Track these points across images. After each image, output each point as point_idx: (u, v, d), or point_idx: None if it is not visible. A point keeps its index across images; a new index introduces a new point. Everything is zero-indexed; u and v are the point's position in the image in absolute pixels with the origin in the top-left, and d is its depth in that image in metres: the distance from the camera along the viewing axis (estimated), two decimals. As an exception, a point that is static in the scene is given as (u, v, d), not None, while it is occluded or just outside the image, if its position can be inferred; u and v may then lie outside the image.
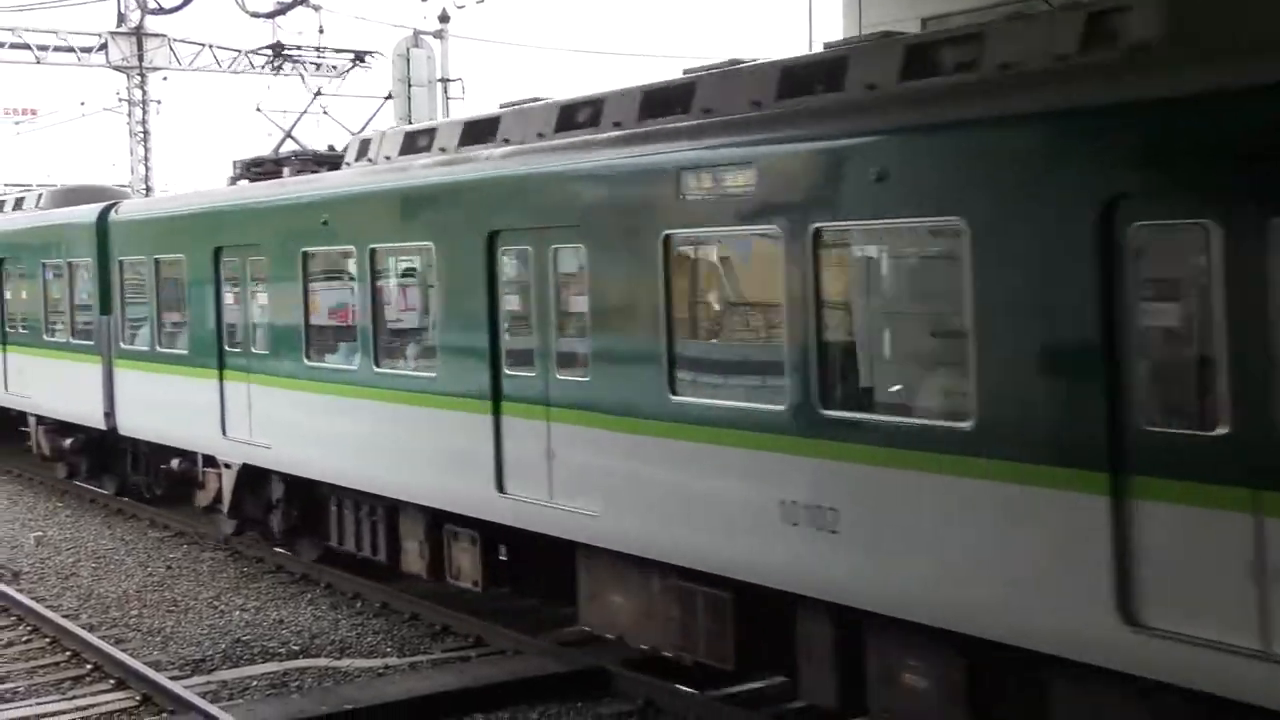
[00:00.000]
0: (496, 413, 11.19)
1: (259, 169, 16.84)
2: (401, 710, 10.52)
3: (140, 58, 42.03)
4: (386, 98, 17.36)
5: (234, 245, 15.35)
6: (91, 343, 18.96)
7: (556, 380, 10.68)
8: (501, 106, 12.62)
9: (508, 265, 11.34)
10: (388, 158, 13.63)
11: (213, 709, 10.32)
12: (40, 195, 22.81)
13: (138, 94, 42.83)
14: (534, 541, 11.26)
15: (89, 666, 12.16)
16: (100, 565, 16.28)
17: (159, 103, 43.37)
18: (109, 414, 18.40)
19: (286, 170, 16.18)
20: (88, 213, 19.28)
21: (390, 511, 13.38)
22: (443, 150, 12.63)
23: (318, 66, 43.81)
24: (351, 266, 13.55)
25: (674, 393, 9.50)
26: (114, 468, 19.92)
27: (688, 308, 10.01)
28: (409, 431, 12.37)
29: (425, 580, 13.08)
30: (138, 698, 11.21)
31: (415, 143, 13.32)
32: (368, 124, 16.88)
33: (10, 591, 14.52)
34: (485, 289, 11.28)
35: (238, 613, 13.88)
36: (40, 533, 18.17)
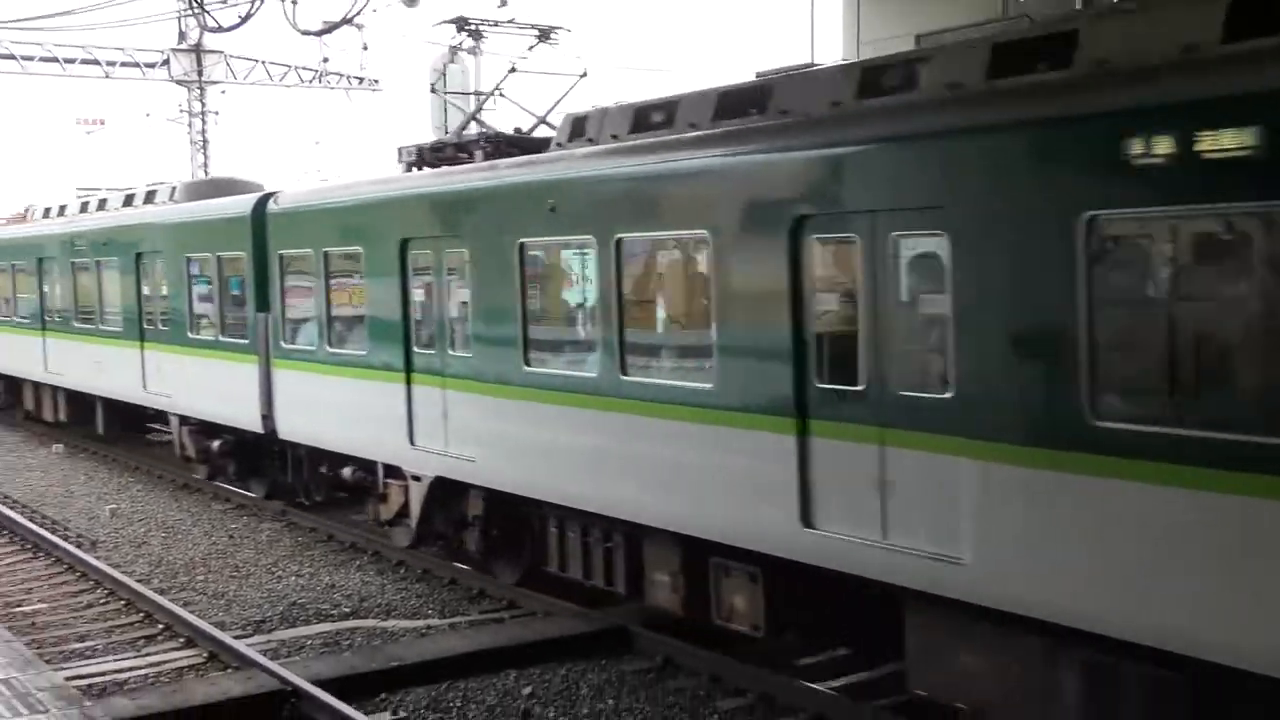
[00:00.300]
0: (803, 433, 8.63)
1: (439, 154, 13.91)
2: (442, 667, 10.52)
3: (199, 73, 42.18)
4: (582, 75, 14.57)
5: (426, 236, 12.69)
6: (245, 341, 16.20)
7: (897, 397, 8.03)
8: (758, 75, 10.24)
9: (820, 256, 8.76)
10: (614, 136, 10.98)
11: (273, 665, 10.34)
12: (174, 189, 20.14)
13: (197, 106, 43.01)
14: (838, 582, 8.85)
15: (160, 626, 12.21)
16: (169, 535, 16.30)
17: (216, 113, 43.54)
18: (266, 416, 15.76)
19: (478, 154, 13.29)
20: (241, 204, 16.44)
21: (632, 537, 10.78)
22: (694, 126, 10.03)
23: (360, 80, 43.99)
24: (587, 259, 10.80)
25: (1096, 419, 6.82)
26: (264, 471, 17.37)
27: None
28: (668, 451, 9.75)
29: (680, 618, 10.56)
30: (204, 655, 11.26)
31: (649, 119, 10.70)
32: (556, 105, 13.74)
33: (89, 559, 14.56)
34: (789, 285, 8.64)
35: (293, 578, 13.91)
36: (115, 505, 18.21)
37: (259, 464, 17.37)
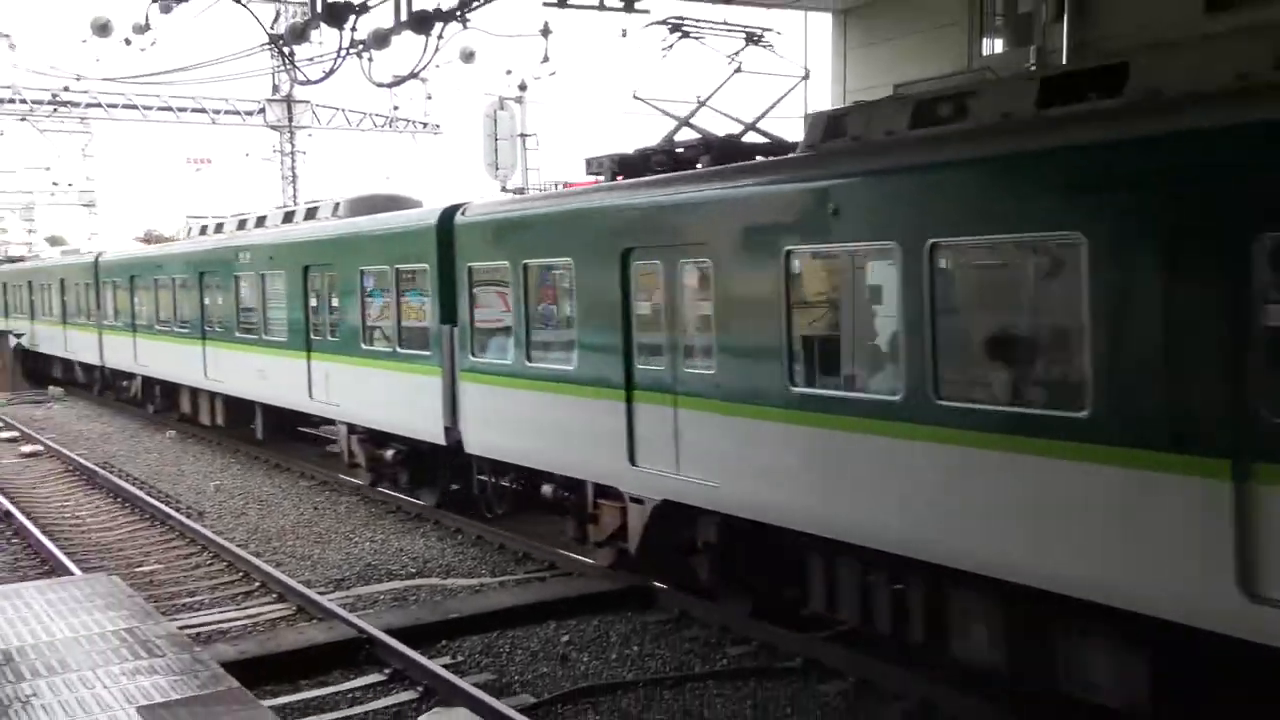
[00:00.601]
0: (1242, 479, 5.92)
1: (658, 160, 11.00)
2: (493, 618, 10.56)
3: (290, 119, 42.39)
4: (804, 77, 12.55)
5: (655, 246, 10.12)
6: (427, 353, 13.87)
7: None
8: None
9: None
10: (889, 132, 8.35)
11: (351, 616, 10.40)
12: (336, 205, 17.96)
13: (287, 147, 43.25)
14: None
15: (256, 584, 12.27)
16: (263, 507, 16.36)
17: (304, 153, 43.77)
18: (450, 429, 13.53)
19: (701, 161, 10.49)
20: (425, 216, 14.16)
21: (932, 581, 8.03)
22: (1007, 115, 7.46)
23: (424, 125, 44.11)
24: (882, 268, 8.23)
25: None
26: (436, 481, 15.13)
27: None
28: (1022, 492, 6.95)
29: (1008, 685, 7.96)
30: (294, 608, 11.31)
31: (935, 112, 8.09)
32: (774, 105, 11.26)
33: (198, 527, 14.64)
34: (1222, 296, 6.00)
35: (367, 543, 13.93)
36: (218, 482, 18.31)
37: (432, 474, 15.13)
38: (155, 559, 13.71)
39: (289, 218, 19.52)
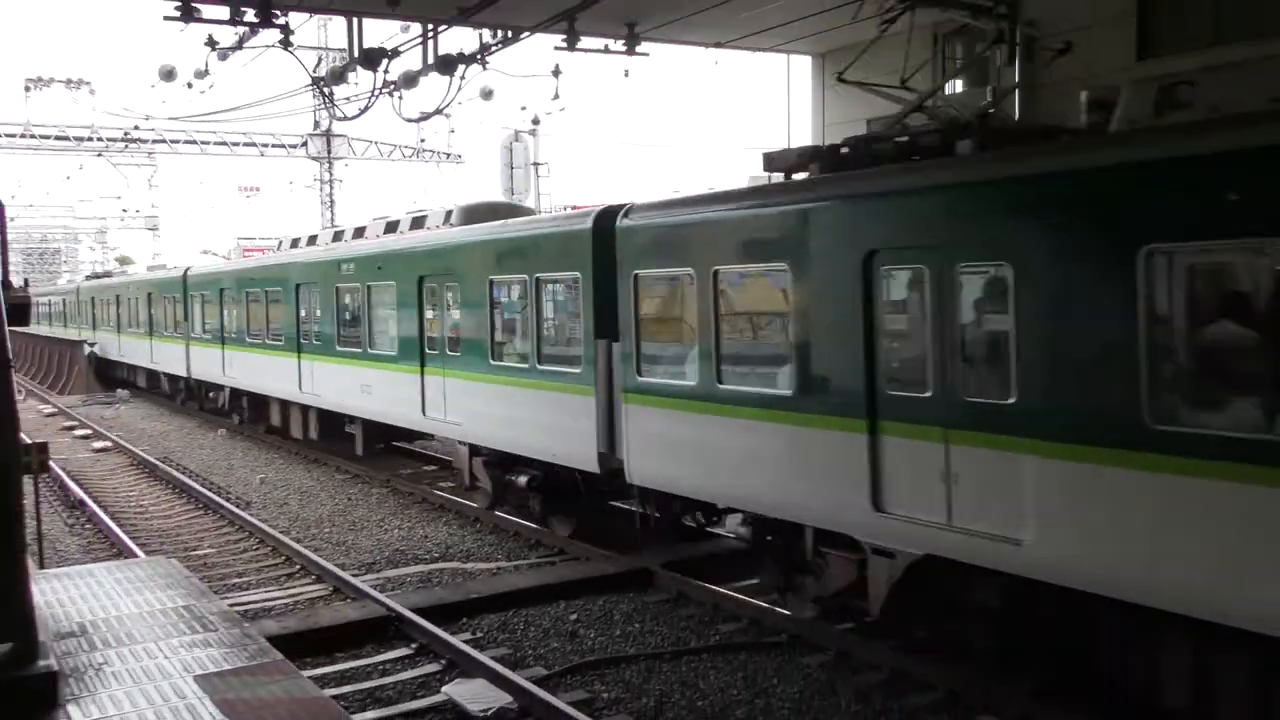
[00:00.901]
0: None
1: (883, 150, 8.23)
2: (509, 598, 10.49)
3: (329, 151, 42.44)
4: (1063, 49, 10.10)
5: (914, 247, 7.53)
6: (576, 371, 11.27)
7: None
8: None
9: None
10: (1132, 121, 6.70)
11: (381, 596, 10.35)
12: (449, 213, 15.33)
13: (326, 176, 43.30)
14: None
15: (297, 567, 12.21)
16: (303, 497, 16.28)
17: (341, 181, 43.84)
18: (605, 455, 10.92)
19: (959, 146, 7.71)
20: (577, 220, 11.46)
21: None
22: None
23: (448, 155, 44.13)
24: None
25: None
26: (574, 510, 12.51)
27: None
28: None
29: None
30: (330, 588, 11.26)
31: (1173, 97, 6.53)
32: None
33: (245, 515, 14.58)
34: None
35: (396, 530, 13.86)
36: (263, 474, 18.22)
37: (570, 502, 12.47)
38: (208, 544, 13.66)
39: (392, 228, 17.04)
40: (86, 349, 35.59)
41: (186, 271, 26.46)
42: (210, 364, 24.15)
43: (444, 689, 8.16)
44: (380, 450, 18.49)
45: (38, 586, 7.98)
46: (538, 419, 11.99)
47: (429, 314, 14.52)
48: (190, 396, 27.48)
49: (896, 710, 7.70)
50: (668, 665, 8.78)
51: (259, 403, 22.13)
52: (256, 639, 7.42)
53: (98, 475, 18.78)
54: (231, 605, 9.42)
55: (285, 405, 20.35)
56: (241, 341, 22.10)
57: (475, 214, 14.68)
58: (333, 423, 18.36)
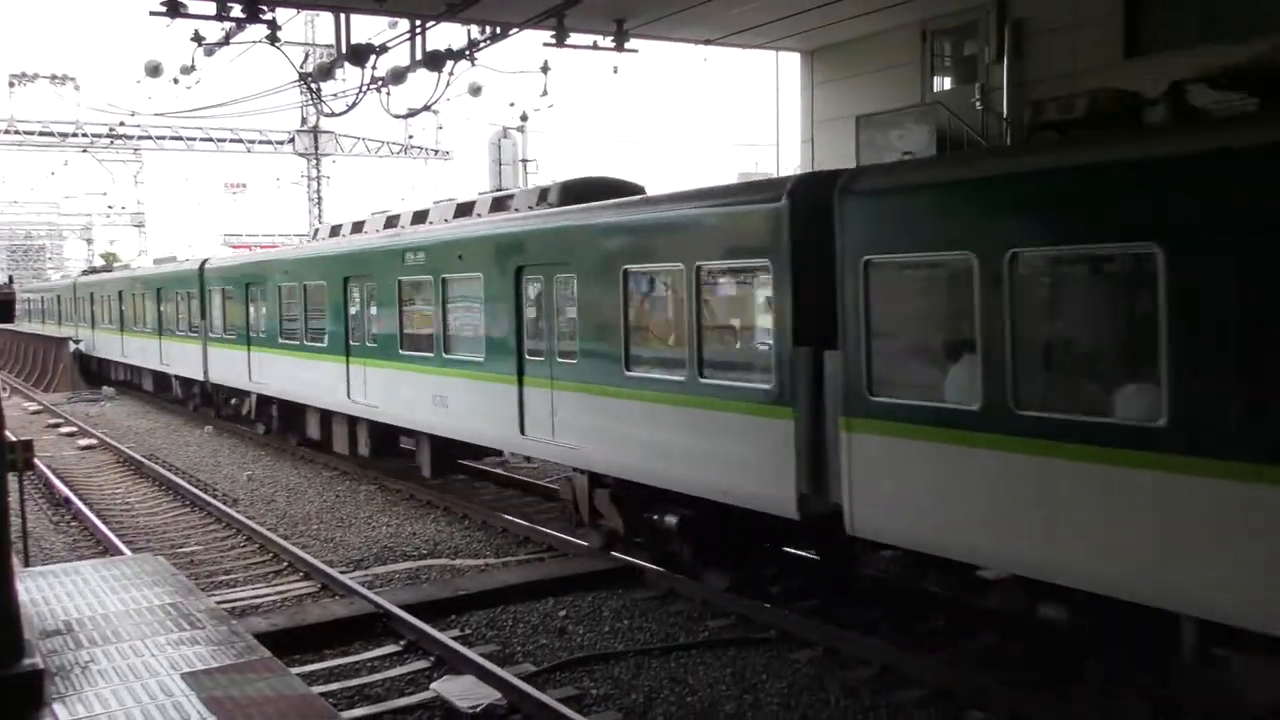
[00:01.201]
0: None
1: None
2: (497, 594, 10.47)
3: (316, 147, 42.32)
4: None
5: None
6: (765, 387, 8.67)
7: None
8: None
9: None
10: None
11: (369, 593, 10.31)
12: (544, 191, 12.71)
13: (314, 172, 43.18)
14: None
15: (285, 564, 12.16)
16: (291, 494, 16.21)
17: (328, 178, 43.78)
18: (809, 496, 8.38)
19: None
20: (763, 192, 8.85)
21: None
22: None
23: (436, 152, 44.04)
24: None
25: None
26: (724, 559, 10.15)
27: None
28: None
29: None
30: (318, 585, 11.21)
31: None
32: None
33: (232, 512, 14.51)
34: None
35: (384, 527, 13.81)
36: (250, 471, 18.14)
37: (729, 548, 10.09)
38: (195, 541, 13.60)
39: (464, 210, 14.34)
40: (72, 346, 35.37)
41: (204, 264, 23.51)
42: (233, 367, 21.38)
43: (433, 686, 8.14)
44: (450, 472, 15.70)
45: (23, 584, 7.93)
46: (698, 446, 9.38)
47: (529, 312, 11.93)
48: (207, 402, 24.84)
49: (885, 706, 7.72)
50: (657, 661, 8.78)
51: (292, 411, 19.37)
52: (244, 636, 7.39)
53: (83, 472, 18.68)
54: (219, 603, 9.38)
55: (327, 416, 17.73)
56: (272, 343, 19.33)
57: (578, 191, 12.18)
58: (390, 438, 16.19)
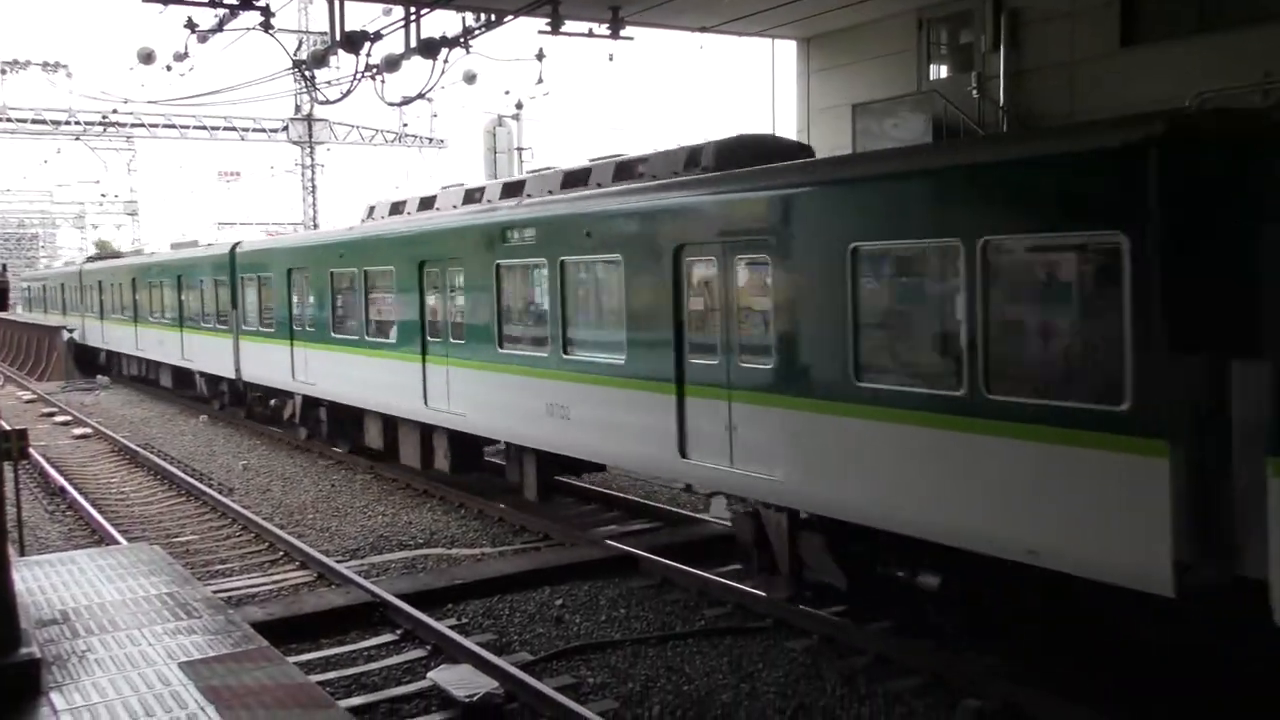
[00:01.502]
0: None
1: None
2: (493, 584, 10.48)
3: (310, 136, 42.14)
4: None
5: None
6: (1117, 409, 6.12)
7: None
8: None
9: None
10: None
11: (365, 582, 10.31)
12: (695, 150, 10.41)
13: (308, 161, 43.02)
14: None
15: (281, 553, 12.15)
16: (287, 484, 16.19)
17: (322, 166, 43.64)
18: (1200, 564, 5.97)
19: None
20: (1100, 137, 6.42)
21: None
22: None
23: (430, 140, 43.89)
24: None
25: None
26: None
27: None
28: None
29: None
30: (314, 574, 11.21)
31: None
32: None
33: (228, 501, 14.50)
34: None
35: (380, 517, 13.81)
36: (246, 461, 18.13)
37: (1026, 620, 7.78)
38: (191, 530, 13.59)
39: (578, 180, 11.95)
40: (65, 334, 35.27)
41: (235, 248, 21.12)
42: (273, 364, 18.89)
43: (429, 674, 8.15)
44: (551, 490, 13.18)
45: (19, 574, 7.91)
46: (982, 486, 6.93)
47: (694, 303, 9.60)
48: (237, 401, 22.33)
49: (880, 693, 7.75)
50: (653, 650, 8.80)
51: (346, 415, 17.01)
52: (241, 625, 7.39)
53: (78, 462, 18.65)
54: (215, 592, 9.38)
55: (391, 422, 15.51)
56: (323, 337, 16.88)
57: (733, 154, 10.05)
58: (471, 451, 14.04)
